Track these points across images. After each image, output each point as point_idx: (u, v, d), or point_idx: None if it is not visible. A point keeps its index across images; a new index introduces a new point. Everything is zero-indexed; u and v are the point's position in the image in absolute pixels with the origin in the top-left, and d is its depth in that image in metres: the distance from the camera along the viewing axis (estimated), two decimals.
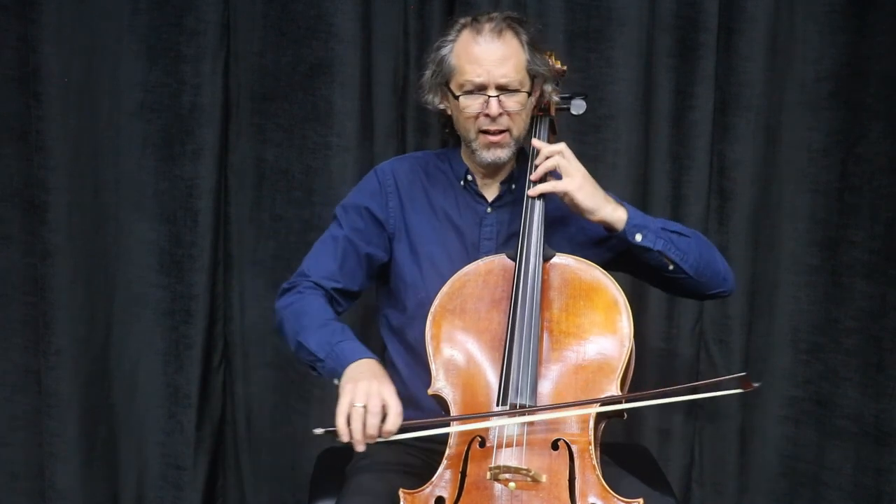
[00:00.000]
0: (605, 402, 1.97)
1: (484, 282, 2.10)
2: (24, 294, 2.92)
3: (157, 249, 2.95)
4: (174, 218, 2.93)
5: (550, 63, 2.24)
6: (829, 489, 2.99)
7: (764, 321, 3.03)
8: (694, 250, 2.17)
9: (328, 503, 2.18)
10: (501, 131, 2.15)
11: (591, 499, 1.90)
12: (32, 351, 2.93)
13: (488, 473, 1.88)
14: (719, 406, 3.04)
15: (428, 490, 1.95)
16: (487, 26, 2.14)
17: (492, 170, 2.25)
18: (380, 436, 1.88)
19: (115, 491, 3.03)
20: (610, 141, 2.90)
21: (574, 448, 1.94)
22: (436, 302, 2.09)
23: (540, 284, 2.04)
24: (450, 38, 2.18)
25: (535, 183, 2.12)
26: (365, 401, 1.87)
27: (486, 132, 2.15)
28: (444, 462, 1.97)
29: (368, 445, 1.88)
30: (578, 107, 2.29)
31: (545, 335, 2.03)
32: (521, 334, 1.99)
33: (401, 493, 1.94)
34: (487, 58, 2.12)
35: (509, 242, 2.20)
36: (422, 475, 2.02)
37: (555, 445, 1.94)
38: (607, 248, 2.24)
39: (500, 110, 2.13)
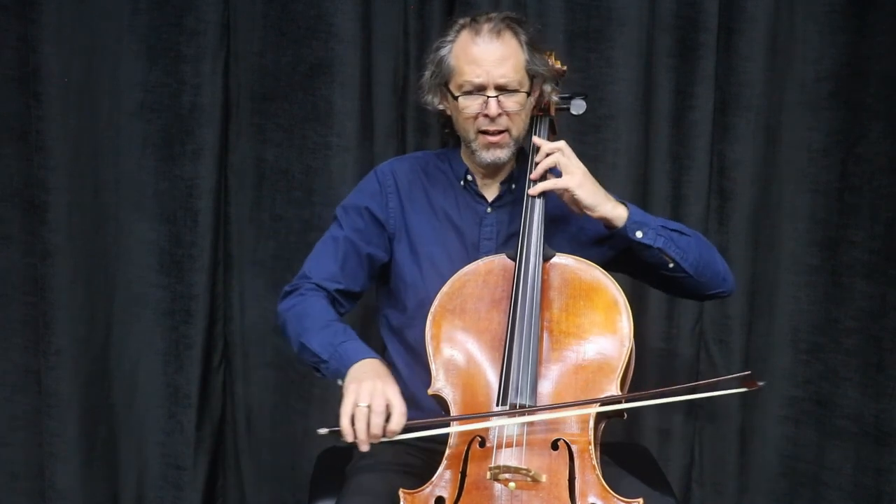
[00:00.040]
0: (604, 402, 1.97)
1: (484, 282, 2.10)
2: (24, 294, 2.91)
3: (157, 249, 2.95)
4: (174, 218, 2.93)
5: (550, 63, 2.24)
6: (829, 489, 2.98)
7: (764, 321, 3.03)
8: (694, 249, 2.17)
9: (328, 503, 2.18)
10: (500, 131, 2.15)
11: (591, 499, 1.90)
12: (32, 351, 2.93)
13: (488, 473, 1.88)
14: (719, 406, 3.04)
15: (428, 490, 1.95)
16: (486, 27, 2.14)
17: (491, 170, 2.25)
18: (384, 435, 1.87)
19: (115, 491, 3.03)
20: (610, 141, 2.90)
21: (574, 448, 1.93)
22: (436, 302, 2.09)
23: (540, 284, 2.04)
24: (449, 38, 2.18)
25: (536, 181, 2.12)
26: (369, 400, 1.87)
27: (485, 132, 2.15)
28: (444, 462, 1.97)
29: (372, 445, 1.88)
30: (578, 107, 2.29)
31: (545, 335, 2.02)
32: (521, 334, 1.99)
33: (401, 493, 1.94)
34: (486, 58, 2.11)
35: (509, 242, 2.20)
36: (422, 475, 2.02)
37: (555, 445, 1.94)
38: (608, 247, 2.24)
39: (499, 111, 2.12)
